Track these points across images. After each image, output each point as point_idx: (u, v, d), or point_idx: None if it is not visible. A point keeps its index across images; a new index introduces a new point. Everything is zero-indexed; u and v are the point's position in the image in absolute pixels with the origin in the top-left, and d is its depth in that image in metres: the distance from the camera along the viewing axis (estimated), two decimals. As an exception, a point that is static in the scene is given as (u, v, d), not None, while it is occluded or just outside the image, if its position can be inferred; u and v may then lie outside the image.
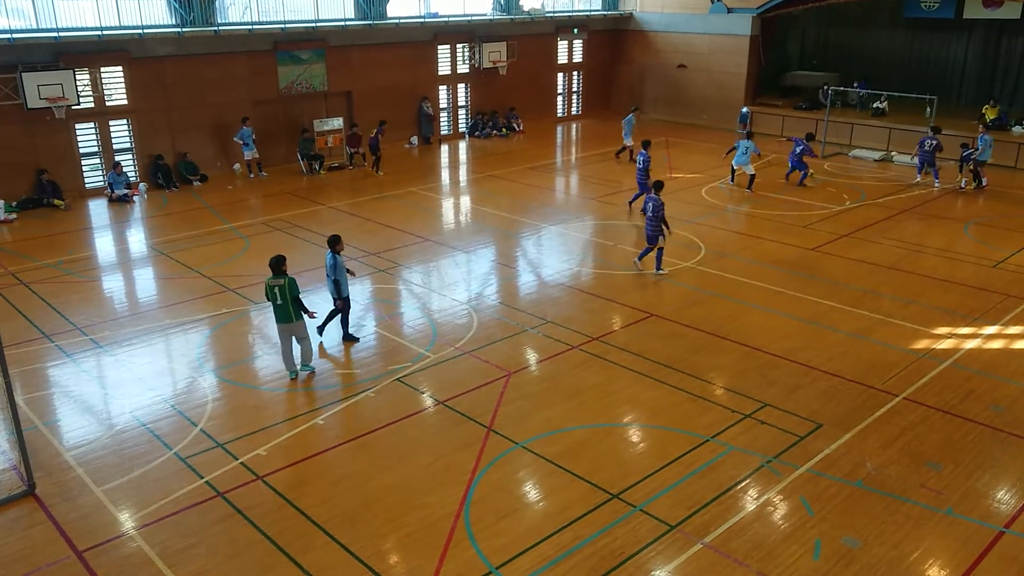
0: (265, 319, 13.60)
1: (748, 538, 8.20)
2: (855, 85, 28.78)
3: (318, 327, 12.61)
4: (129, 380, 11.53)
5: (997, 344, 12.58)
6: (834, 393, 11.05)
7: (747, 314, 13.72)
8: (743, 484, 9.08)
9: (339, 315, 12.68)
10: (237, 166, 23.64)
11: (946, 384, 11.29)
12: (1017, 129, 25.00)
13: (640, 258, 15.82)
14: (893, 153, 25.36)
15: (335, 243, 12.26)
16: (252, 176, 23.19)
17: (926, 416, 10.48)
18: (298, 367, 11.58)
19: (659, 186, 15.97)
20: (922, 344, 12.53)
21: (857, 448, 9.75)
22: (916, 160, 22.33)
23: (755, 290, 14.75)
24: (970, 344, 12.53)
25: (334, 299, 12.55)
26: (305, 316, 11.34)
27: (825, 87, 26.61)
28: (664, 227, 15.31)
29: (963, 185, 21.77)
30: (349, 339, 12.71)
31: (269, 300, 11.32)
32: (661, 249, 15.47)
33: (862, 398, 10.91)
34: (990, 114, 25.90)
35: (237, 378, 11.62)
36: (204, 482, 9.13)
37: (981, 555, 7.97)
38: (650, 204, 15.39)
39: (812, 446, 9.79)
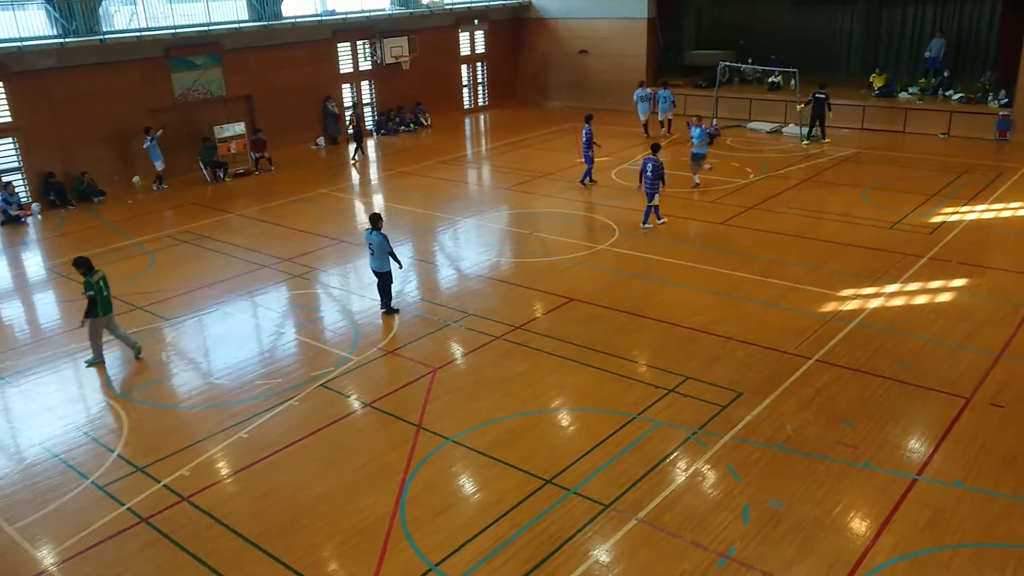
0: (178, 335, 13.18)
1: (680, 509, 8.40)
2: (770, 62, 29.63)
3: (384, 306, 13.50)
4: (37, 411, 11.00)
5: (899, 301, 13.20)
6: (751, 361, 11.40)
7: (663, 291, 14.01)
8: (671, 457, 9.29)
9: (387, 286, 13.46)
10: (136, 179, 22.77)
11: (855, 344, 11.79)
12: (903, 95, 26.18)
13: (645, 222, 17.18)
14: (785, 125, 26.28)
15: (377, 220, 13.22)
16: (155, 189, 22.35)
17: (838, 376, 10.92)
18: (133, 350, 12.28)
19: (656, 148, 17.33)
20: (830, 307, 13.04)
21: (776, 412, 10.09)
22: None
23: (670, 267, 15.07)
24: (874, 303, 13.11)
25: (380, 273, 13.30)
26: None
27: (720, 64, 27.36)
28: (660, 183, 16.93)
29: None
30: (391, 310, 13.57)
31: (93, 294, 11.69)
32: (656, 206, 17.08)
33: (778, 364, 11.29)
34: (877, 82, 27.03)
35: (153, 398, 11.23)
36: (126, 509, 8.80)
37: (898, 503, 8.37)
38: (649, 165, 16.84)
39: (734, 414, 10.08)
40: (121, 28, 22.57)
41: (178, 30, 22.91)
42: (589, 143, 20.38)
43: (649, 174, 16.82)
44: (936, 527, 7.99)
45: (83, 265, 11.89)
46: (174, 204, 21.08)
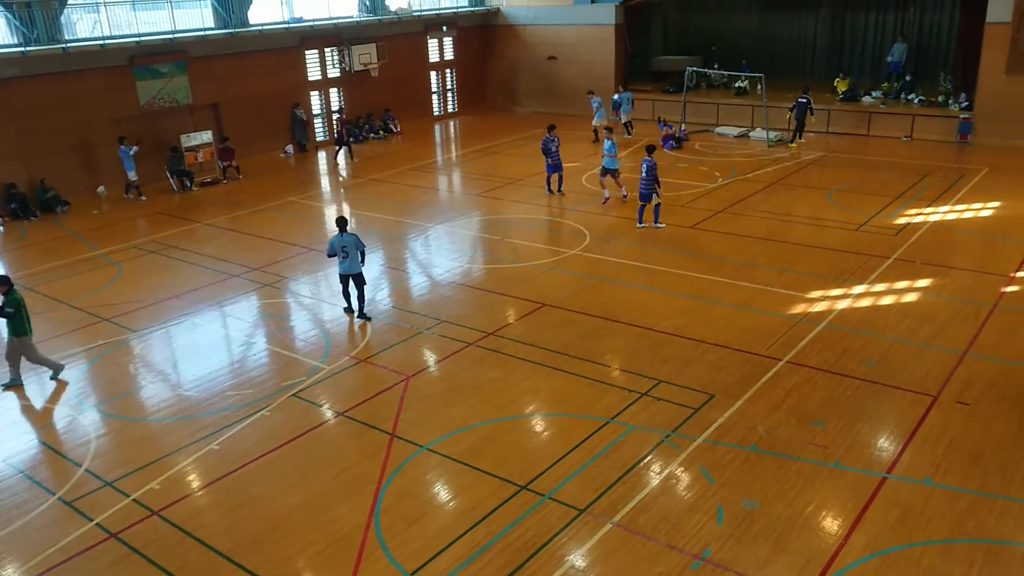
0: (146, 346, 13.01)
1: (655, 512, 8.44)
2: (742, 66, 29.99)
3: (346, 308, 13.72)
4: (1, 426, 10.77)
5: (866, 302, 13.39)
6: (723, 364, 11.50)
7: (635, 295, 14.09)
8: (646, 460, 9.33)
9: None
10: (102, 189, 22.45)
11: (824, 344, 11.93)
12: (867, 99, 26.60)
13: (641, 220, 17.45)
14: (753, 129, 26.59)
15: (345, 223, 13.45)
16: (132, 198, 22.01)
17: (808, 377, 11.04)
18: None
19: (651, 149, 17.56)
20: (799, 309, 13.19)
21: (748, 414, 10.18)
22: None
23: (641, 271, 15.16)
24: (842, 305, 13.29)
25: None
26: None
27: (687, 70, 27.65)
28: (656, 186, 17.05)
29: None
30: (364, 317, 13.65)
31: (12, 311, 11.34)
32: (658, 204, 17.28)
33: (749, 366, 11.39)
34: (841, 86, 27.47)
35: (122, 411, 11.06)
36: (94, 524, 8.65)
37: (868, 501, 8.48)
38: (644, 165, 17.07)
39: (707, 417, 10.16)
40: (84, 36, 22.27)
41: (142, 38, 22.64)
42: (553, 150, 20.12)
43: (643, 174, 17.05)
44: (906, 524, 8.11)
45: (4, 283, 11.43)
46: (141, 214, 20.80)
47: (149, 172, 23.01)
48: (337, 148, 25.94)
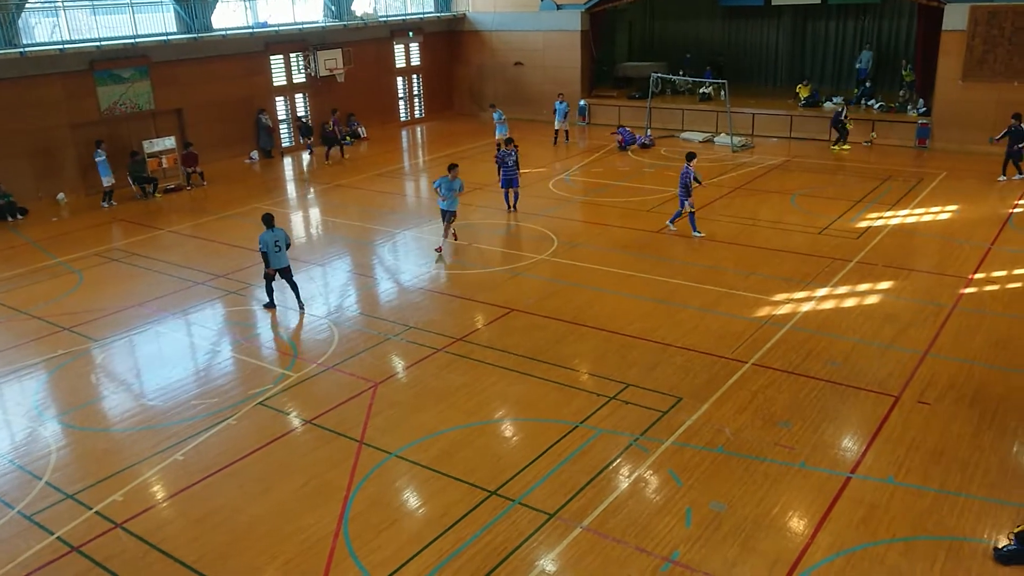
0: (109, 355, 12.79)
1: (624, 516, 8.47)
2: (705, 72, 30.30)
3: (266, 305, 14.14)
4: (-43, 439, 10.53)
5: (829, 304, 13.59)
6: (690, 367, 11.59)
7: (602, 300, 14.16)
8: (614, 464, 9.37)
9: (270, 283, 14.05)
10: (61, 195, 22.04)
11: (788, 347, 12.09)
12: (828, 105, 27.03)
13: (672, 220, 17.48)
14: (717, 135, 26.88)
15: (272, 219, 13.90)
16: (108, 206, 21.64)
17: (774, 379, 11.18)
18: None
19: (691, 156, 17.28)
20: (764, 312, 13.35)
21: (715, 416, 10.28)
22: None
23: (608, 276, 15.24)
24: (806, 307, 13.47)
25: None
26: None
27: (653, 75, 27.91)
28: (687, 191, 16.85)
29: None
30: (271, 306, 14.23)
31: None
32: (692, 213, 17.03)
33: (715, 368, 11.50)
34: (803, 92, 27.91)
35: (83, 422, 10.85)
36: (55, 538, 8.47)
37: (833, 501, 8.60)
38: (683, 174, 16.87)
39: (675, 419, 10.23)
40: (43, 40, 21.87)
41: (103, 43, 22.30)
42: (502, 166, 19.24)
43: (682, 181, 16.85)
44: (870, 523, 8.23)
45: None
46: (102, 221, 20.46)
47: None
48: (328, 148, 26.54)
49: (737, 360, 11.72)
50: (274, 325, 13.89)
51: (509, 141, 19.87)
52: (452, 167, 16.70)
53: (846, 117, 24.79)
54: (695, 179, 16.90)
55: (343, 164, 25.95)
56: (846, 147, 24.67)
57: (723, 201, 19.81)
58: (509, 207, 19.59)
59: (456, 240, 17.40)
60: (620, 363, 11.79)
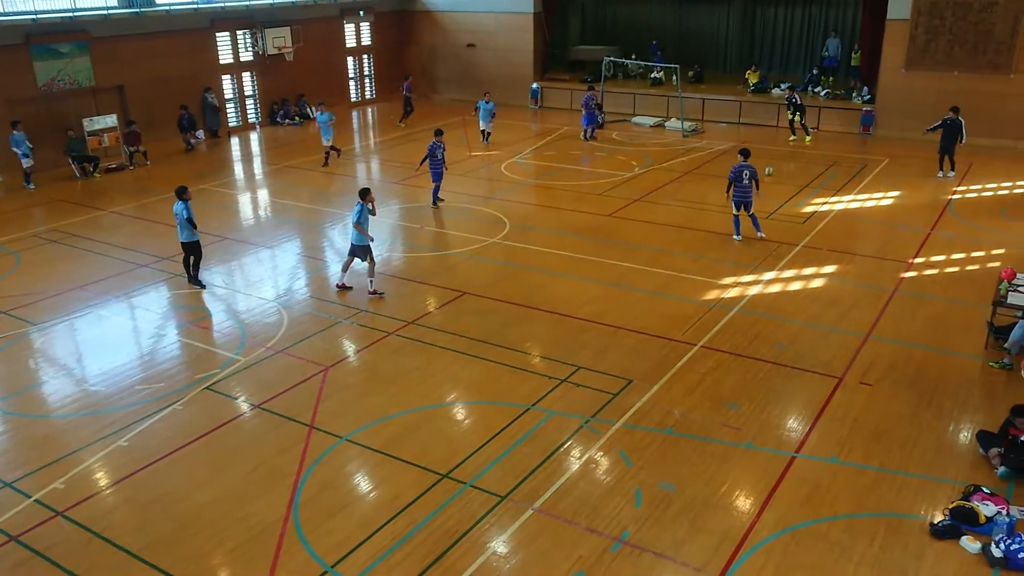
0: (48, 340, 12.42)
1: (575, 497, 8.55)
2: (656, 57, 30.29)
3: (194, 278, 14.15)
4: None
5: (776, 288, 13.85)
6: (640, 349, 11.72)
7: (554, 283, 14.21)
8: (566, 446, 9.44)
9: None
10: (-3, 175, 21.30)
11: (736, 329, 12.29)
12: (776, 91, 27.41)
13: (759, 229, 16.00)
14: (668, 119, 27.09)
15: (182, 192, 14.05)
16: (32, 187, 20.84)
17: (722, 361, 11.36)
18: None
19: (746, 153, 16.19)
20: (713, 295, 13.55)
21: (665, 398, 10.42)
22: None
23: (560, 259, 15.29)
24: (753, 291, 13.71)
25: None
26: None
27: (605, 59, 27.95)
28: (755, 189, 15.81)
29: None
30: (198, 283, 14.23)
31: None
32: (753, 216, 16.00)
33: (665, 351, 11.64)
34: (752, 78, 28.25)
35: (21, 408, 10.54)
36: (-7, 528, 8.24)
37: (779, 480, 8.80)
38: (745, 172, 15.69)
39: (625, 401, 10.34)
40: (-26, 13, 21.00)
41: (39, 15, 21.49)
42: (431, 157, 18.25)
43: (745, 181, 15.72)
44: (814, 501, 8.45)
45: None
46: (39, 201, 19.80)
47: (48, 158, 21.93)
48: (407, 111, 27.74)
49: (686, 343, 11.88)
50: (223, 308, 13.63)
51: (439, 132, 18.64)
52: (365, 192, 14.01)
53: (798, 103, 23.95)
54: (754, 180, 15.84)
55: (292, 144, 25.50)
56: (808, 138, 24.23)
57: (673, 185, 20.00)
58: (435, 201, 18.57)
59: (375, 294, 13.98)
60: (571, 346, 11.86)
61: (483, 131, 24.56)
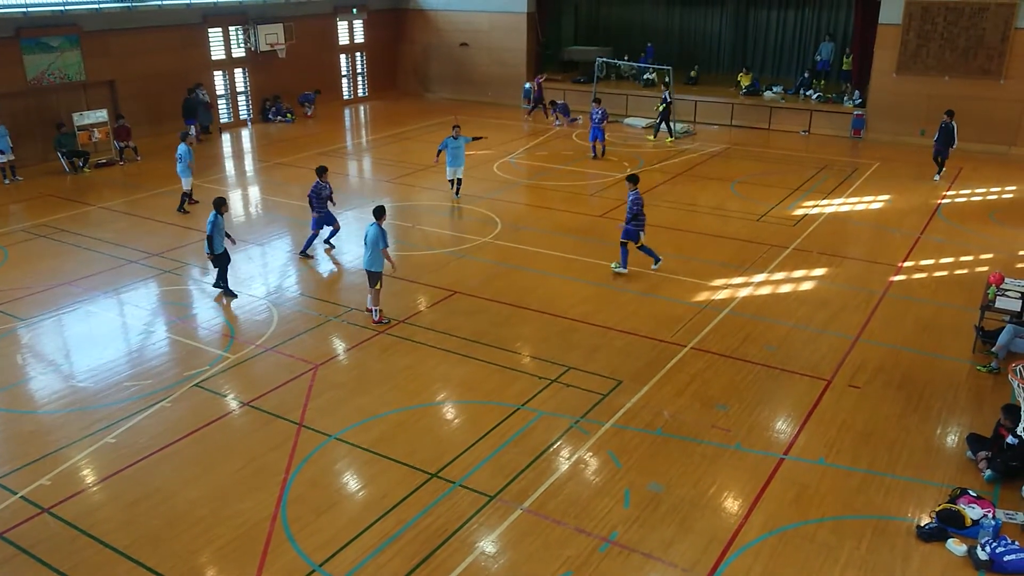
0: (36, 335, 12.35)
1: (564, 497, 8.55)
2: (640, 58, 30.37)
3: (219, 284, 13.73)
4: None
5: (766, 290, 13.89)
6: (630, 350, 11.73)
7: (545, 283, 14.21)
8: (555, 446, 9.45)
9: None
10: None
11: (726, 331, 12.32)
12: (768, 94, 27.50)
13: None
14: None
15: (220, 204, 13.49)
16: (8, 182, 20.69)
17: (711, 362, 11.39)
18: None
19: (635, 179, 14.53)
20: (703, 296, 13.57)
21: (654, 399, 10.43)
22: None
23: (551, 259, 15.29)
24: (743, 292, 13.74)
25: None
26: None
27: (597, 60, 27.98)
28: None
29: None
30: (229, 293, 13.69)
31: None
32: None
33: (655, 352, 11.66)
34: (744, 81, 28.32)
35: (8, 404, 10.47)
36: (-22, 524, 8.18)
37: (767, 481, 8.82)
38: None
39: (615, 402, 10.35)
40: (-36, 5, 20.85)
41: (30, 9, 21.34)
42: (316, 198, 15.47)
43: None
44: (802, 503, 8.48)
45: None
46: (27, 196, 19.67)
47: (38, 152, 21.81)
48: (532, 107, 28.31)
49: (676, 344, 11.90)
50: (212, 306, 13.58)
51: (323, 171, 15.66)
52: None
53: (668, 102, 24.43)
54: None
55: (284, 141, 25.42)
56: (669, 140, 24.59)
57: (665, 187, 20.03)
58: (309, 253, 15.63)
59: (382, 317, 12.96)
60: (562, 346, 11.86)
61: (451, 180, 18.94)
